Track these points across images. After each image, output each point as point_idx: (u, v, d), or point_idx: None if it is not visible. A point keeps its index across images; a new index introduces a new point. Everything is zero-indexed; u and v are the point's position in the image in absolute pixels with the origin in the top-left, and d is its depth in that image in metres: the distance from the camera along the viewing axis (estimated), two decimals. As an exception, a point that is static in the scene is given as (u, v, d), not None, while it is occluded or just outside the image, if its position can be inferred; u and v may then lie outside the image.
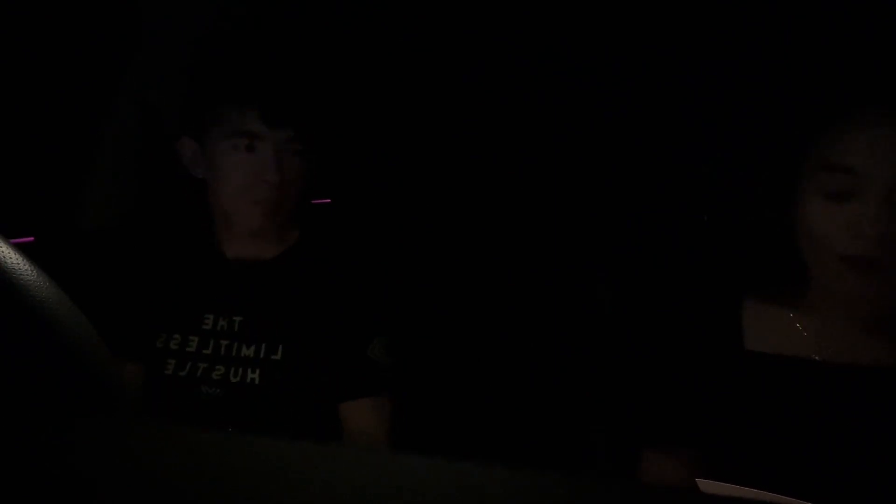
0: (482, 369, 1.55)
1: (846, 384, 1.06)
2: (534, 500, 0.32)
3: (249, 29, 1.41)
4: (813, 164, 1.04)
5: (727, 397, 1.10)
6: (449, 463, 0.33)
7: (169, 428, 0.38)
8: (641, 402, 1.21)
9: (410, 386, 1.38)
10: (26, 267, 0.45)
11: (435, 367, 1.53)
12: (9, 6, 1.47)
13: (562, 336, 1.56)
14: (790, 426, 1.06)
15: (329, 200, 1.80)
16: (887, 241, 0.98)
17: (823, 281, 1.06)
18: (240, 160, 1.27)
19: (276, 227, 1.34)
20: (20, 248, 0.47)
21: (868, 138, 1.00)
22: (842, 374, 1.06)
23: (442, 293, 1.61)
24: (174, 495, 0.33)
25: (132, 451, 0.36)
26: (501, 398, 1.54)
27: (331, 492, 0.32)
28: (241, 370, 1.29)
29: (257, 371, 1.29)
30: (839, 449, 1.03)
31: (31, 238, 1.53)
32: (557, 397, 1.53)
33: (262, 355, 1.30)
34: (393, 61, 1.77)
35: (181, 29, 1.55)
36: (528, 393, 1.54)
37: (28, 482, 0.34)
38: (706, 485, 0.89)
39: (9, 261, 0.45)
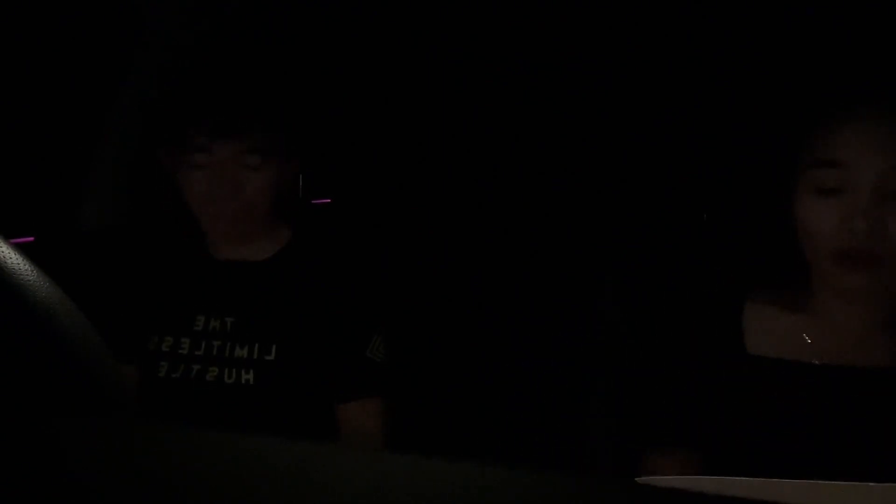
0: (482, 369, 1.55)
1: (848, 386, 1.06)
2: (534, 500, 0.32)
3: (219, 38, 1.41)
4: (804, 161, 1.05)
5: (728, 399, 1.10)
6: (449, 463, 0.33)
7: (169, 428, 0.38)
8: (643, 404, 1.21)
9: (410, 386, 1.38)
10: (26, 267, 0.45)
11: (434, 366, 1.53)
12: (10, 6, 1.47)
13: (562, 336, 1.56)
14: (792, 428, 1.06)
15: (329, 200, 1.80)
16: (879, 234, 0.98)
17: (822, 279, 1.06)
18: (194, 174, 1.29)
19: (264, 229, 1.34)
20: (20, 248, 0.47)
21: (856, 132, 1.00)
22: (844, 376, 1.06)
23: (441, 292, 1.60)
24: (174, 495, 0.33)
25: (132, 451, 0.36)
26: (501, 398, 1.54)
27: (330, 492, 0.32)
28: (234, 371, 1.29)
29: (251, 372, 1.28)
30: (841, 451, 1.03)
31: (31, 238, 1.53)
32: (558, 397, 1.52)
33: (255, 356, 1.29)
34: (393, 61, 1.77)
35: (181, 29, 1.55)
36: (529, 393, 1.53)
37: (28, 483, 0.34)
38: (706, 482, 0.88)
39: (9, 261, 0.45)
